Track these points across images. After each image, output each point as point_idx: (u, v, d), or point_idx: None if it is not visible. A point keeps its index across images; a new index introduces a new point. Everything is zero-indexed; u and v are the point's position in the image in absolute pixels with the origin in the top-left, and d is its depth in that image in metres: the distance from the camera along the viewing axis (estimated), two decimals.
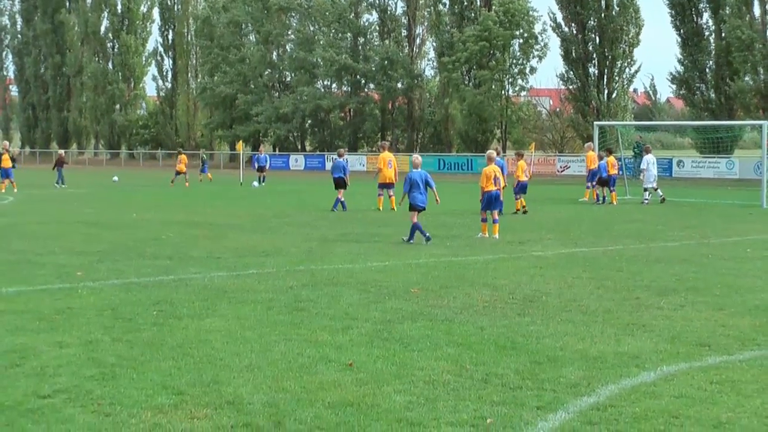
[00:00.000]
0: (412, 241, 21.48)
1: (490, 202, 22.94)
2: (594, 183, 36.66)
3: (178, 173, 53.23)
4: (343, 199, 32.11)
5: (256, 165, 54.87)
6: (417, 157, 23.27)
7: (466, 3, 75.81)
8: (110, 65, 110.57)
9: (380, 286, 14.90)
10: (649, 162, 36.98)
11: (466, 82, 73.92)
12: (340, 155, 34.64)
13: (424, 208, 22.00)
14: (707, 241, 22.53)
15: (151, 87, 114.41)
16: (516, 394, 8.77)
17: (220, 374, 9.42)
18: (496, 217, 23.01)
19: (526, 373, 9.48)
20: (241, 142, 69.47)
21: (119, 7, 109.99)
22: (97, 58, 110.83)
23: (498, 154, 30.40)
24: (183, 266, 17.29)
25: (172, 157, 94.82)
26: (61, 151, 62.05)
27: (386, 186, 32.18)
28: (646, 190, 36.44)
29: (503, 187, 23.52)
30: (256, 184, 51.57)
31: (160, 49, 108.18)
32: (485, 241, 22.17)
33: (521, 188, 31.24)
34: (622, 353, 10.31)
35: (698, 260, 18.48)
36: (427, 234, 21.42)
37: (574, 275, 16.18)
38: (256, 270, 16.77)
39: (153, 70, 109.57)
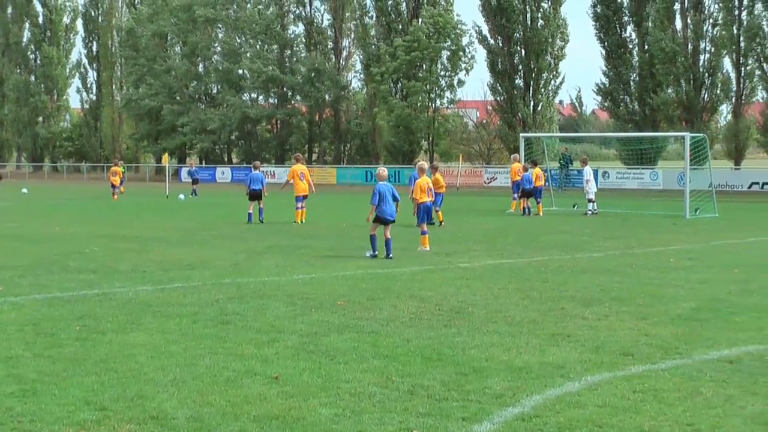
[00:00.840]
0: (375, 253, 21.36)
1: (426, 213, 23.01)
2: (518, 195, 37.01)
3: (113, 186, 51.80)
4: (261, 207, 32.52)
5: (191, 177, 54.53)
6: (383, 170, 22.88)
7: (393, 15, 76.02)
8: (32, 77, 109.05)
9: (307, 298, 14.85)
10: (591, 173, 37.64)
11: (394, 94, 74.11)
12: (256, 167, 34.74)
13: (393, 221, 21.89)
14: (632, 251, 22.80)
15: (75, 99, 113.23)
16: (442, 405, 8.78)
17: (144, 389, 9.30)
18: (425, 229, 23.03)
19: (452, 384, 9.50)
20: (166, 154, 68.96)
21: (41, 18, 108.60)
22: (18, 70, 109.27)
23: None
24: (107, 280, 17.08)
25: (96, 170, 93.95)
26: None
27: (302, 198, 32.42)
28: (591, 201, 36.77)
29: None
30: (182, 196, 51.03)
31: (84, 60, 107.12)
32: (412, 253, 22.19)
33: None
34: (547, 363, 10.37)
35: (622, 270, 18.69)
36: (375, 252, 21.35)
37: (501, 286, 16.26)
38: (182, 283, 16.62)
39: (77, 81, 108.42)
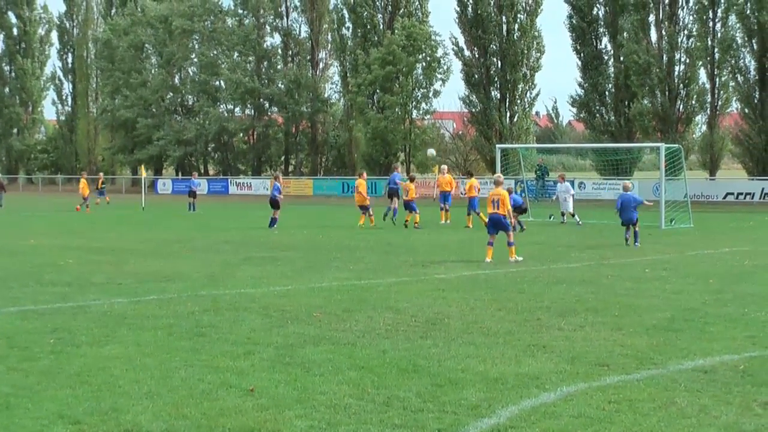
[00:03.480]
0: None
1: (492, 225, 23.04)
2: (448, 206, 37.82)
3: (85, 198, 51.86)
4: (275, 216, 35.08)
5: (191, 188, 53.75)
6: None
7: (369, 26, 76.11)
8: (6, 89, 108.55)
9: (283, 310, 14.83)
10: (570, 188, 38.15)
11: (371, 106, 74.13)
12: (276, 178, 37.66)
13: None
14: (607, 262, 22.88)
15: (50, 111, 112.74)
16: (417, 416, 8.78)
17: (119, 402, 9.27)
18: (510, 239, 23.13)
19: (428, 395, 9.50)
20: (143, 166, 68.76)
21: (15, 30, 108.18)
22: None
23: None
24: (82, 293, 17.01)
25: (71, 182, 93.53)
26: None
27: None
28: (573, 215, 37.12)
29: (509, 213, 23.61)
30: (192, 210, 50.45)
31: (59, 72, 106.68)
32: (388, 264, 22.16)
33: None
34: (523, 374, 10.39)
35: (598, 281, 18.75)
36: None
37: (476, 297, 16.28)
38: (157, 296, 16.57)
39: (52, 93, 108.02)
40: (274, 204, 35.39)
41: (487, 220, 24.49)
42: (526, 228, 34.20)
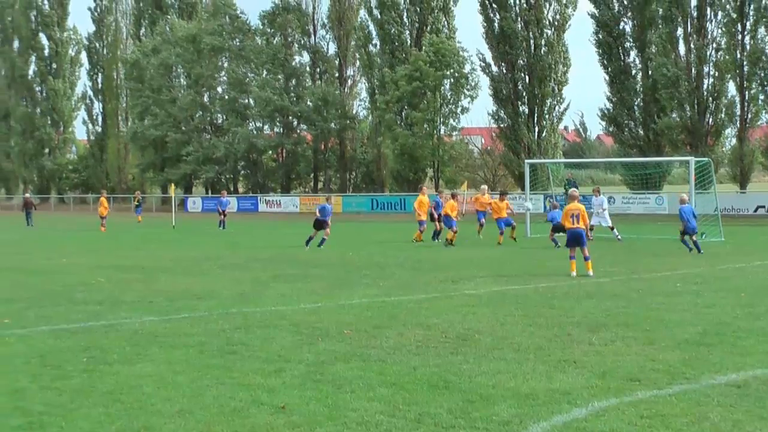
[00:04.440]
0: None
1: (572, 239, 23.01)
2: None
3: (102, 217, 52.11)
4: (324, 237, 33.85)
5: (219, 209, 54.01)
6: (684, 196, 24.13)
7: (396, 43, 76.31)
8: (38, 110, 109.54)
9: (313, 327, 14.84)
10: (605, 201, 37.84)
11: (399, 123, 74.26)
12: (328, 200, 36.67)
13: None
14: (638, 276, 22.77)
15: (81, 130, 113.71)
16: None
17: (151, 420, 9.30)
18: (586, 254, 23.06)
19: (459, 411, 9.48)
20: (173, 185, 69.15)
21: (47, 51, 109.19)
22: (24, 102, 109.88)
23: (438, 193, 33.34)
24: (114, 311, 17.09)
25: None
26: (28, 194, 64.57)
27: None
28: (612, 228, 36.80)
29: (587, 226, 23.56)
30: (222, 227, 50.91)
31: (90, 92, 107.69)
32: (418, 280, 22.15)
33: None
34: (554, 390, 10.34)
35: (629, 295, 18.65)
36: None
37: (506, 313, 16.23)
38: (188, 314, 16.62)
39: (83, 113, 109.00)
40: (322, 224, 33.88)
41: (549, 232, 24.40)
42: (561, 245, 34.10)
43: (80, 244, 39.52)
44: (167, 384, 10.84)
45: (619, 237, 36.26)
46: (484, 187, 41.62)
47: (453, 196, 37.39)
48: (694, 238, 29.36)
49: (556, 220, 34.55)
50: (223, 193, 61.69)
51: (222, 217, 52.14)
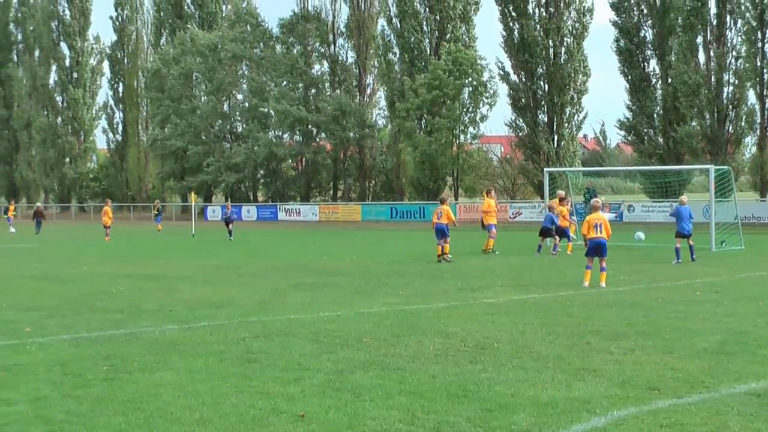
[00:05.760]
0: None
1: (593, 249, 22.94)
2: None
3: (106, 227, 51.01)
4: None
5: (226, 220, 53.39)
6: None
7: (416, 52, 76.36)
8: (59, 119, 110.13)
9: (332, 335, 14.87)
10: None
11: (418, 131, 74.28)
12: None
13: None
14: (657, 284, 22.72)
15: (101, 139, 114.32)
16: None
17: (171, 428, 9.34)
18: (604, 265, 22.85)
19: (478, 420, 9.48)
20: (193, 193, 69.36)
21: (68, 60, 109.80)
22: (45, 112, 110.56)
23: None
24: (134, 320, 17.15)
25: (122, 209, 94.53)
26: (39, 204, 65.14)
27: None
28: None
29: (609, 235, 23.36)
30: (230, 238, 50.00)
31: (110, 101, 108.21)
32: (437, 289, 22.16)
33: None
34: (573, 399, 10.34)
35: (648, 304, 18.61)
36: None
37: (526, 321, 16.22)
38: (208, 322, 16.67)
39: (103, 122, 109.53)
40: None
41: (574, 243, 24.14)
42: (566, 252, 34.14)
43: (100, 252, 39.67)
44: (187, 392, 10.88)
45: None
46: (561, 192, 39.97)
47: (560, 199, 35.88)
48: (690, 242, 29.69)
49: (545, 224, 34.44)
50: (227, 205, 58.98)
51: (228, 227, 50.42)
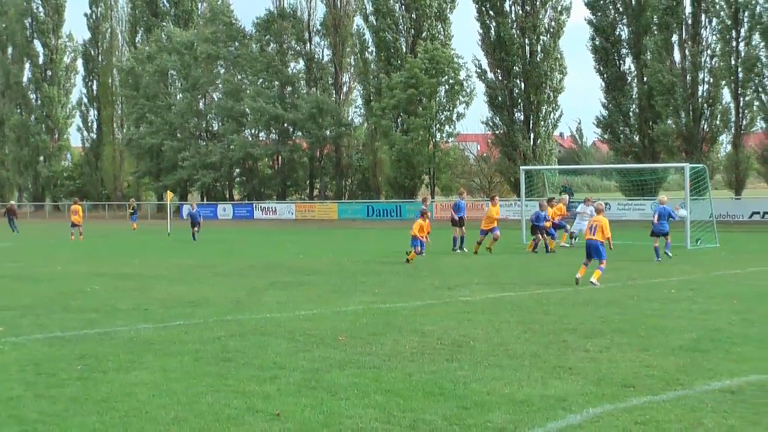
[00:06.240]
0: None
1: (587, 250, 22.99)
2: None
3: (74, 225, 49.67)
4: (456, 236, 35.01)
5: (191, 219, 52.53)
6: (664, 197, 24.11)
7: (392, 50, 76.36)
8: (33, 117, 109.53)
9: (308, 334, 14.84)
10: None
11: (395, 130, 74.27)
12: (461, 194, 37.52)
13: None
14: (633, 282, 22.79)
15: (76, 138, 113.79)
16: None
17: (146, 428, 9.30)
18: (601, 265, 22.80)
19: (454, 418, 9.48)
20: (169, 192, 69.10)
21: (41, 58, 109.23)
22: (19, 110, 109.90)
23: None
24: (109, 319, 17.07)
25: (97, 208, 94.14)
26: (12, 202, 64.78)
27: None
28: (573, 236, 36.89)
29: (608, 238, 23.28)
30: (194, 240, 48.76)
31: (85, 99, 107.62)
32: (413, 287, 22.15)
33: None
34: (549, 396, 10.36)
35: (624, 302, 18.68)
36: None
37: (502, 319, 16.24)
38: (184, 321, 16.62)
39: (78, 120, 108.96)
40: (461, 222, 35.03)
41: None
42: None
43: (75, 251, 39.47)
44: (162, 391, 10.83)
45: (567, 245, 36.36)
46: (565, 197, 40.21)
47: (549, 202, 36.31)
48: (667, 239, 30.21)
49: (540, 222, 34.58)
50: (193, 205, 56.07)
51: (194, 229, 47.53)
